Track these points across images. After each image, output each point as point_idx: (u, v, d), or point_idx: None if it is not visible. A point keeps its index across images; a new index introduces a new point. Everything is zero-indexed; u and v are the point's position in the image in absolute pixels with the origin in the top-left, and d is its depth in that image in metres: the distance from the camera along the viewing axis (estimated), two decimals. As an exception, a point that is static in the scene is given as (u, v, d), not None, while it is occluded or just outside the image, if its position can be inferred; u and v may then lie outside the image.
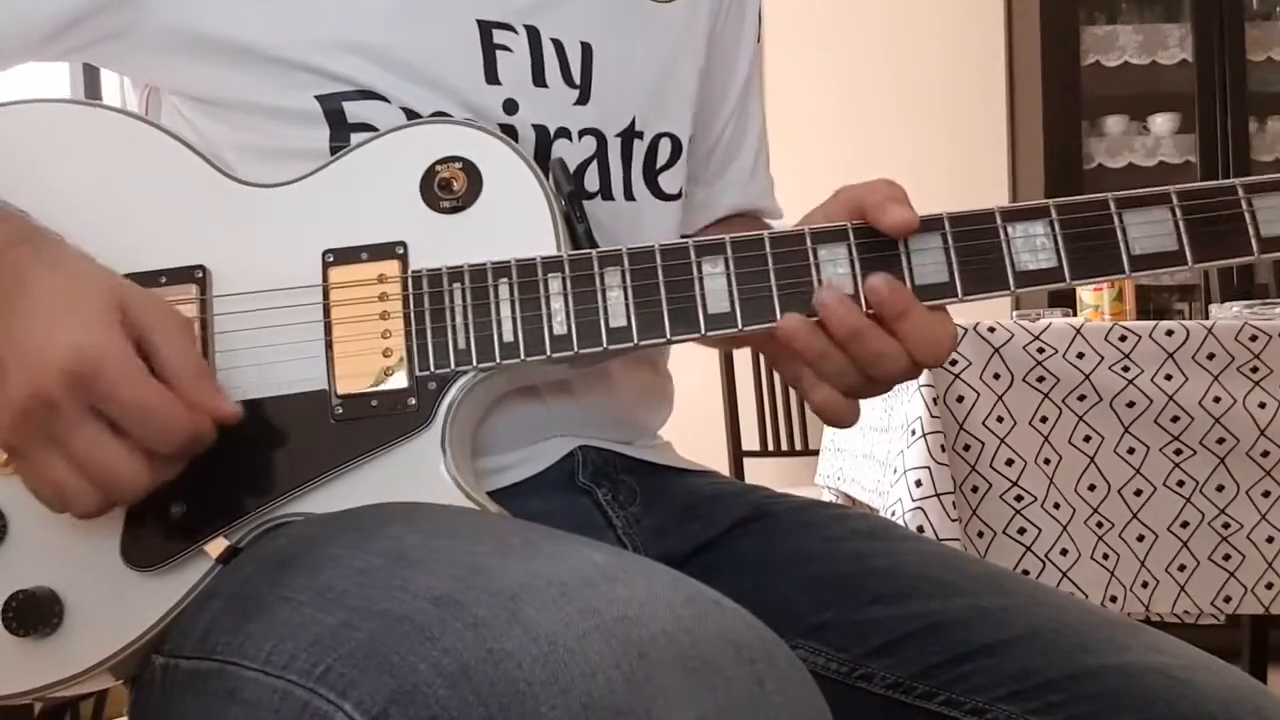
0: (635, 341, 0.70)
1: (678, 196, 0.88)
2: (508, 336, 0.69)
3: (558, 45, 0.80)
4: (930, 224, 0.70)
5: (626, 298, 0.70)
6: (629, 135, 0.84)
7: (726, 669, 0.49)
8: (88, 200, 0.71)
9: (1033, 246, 0.70)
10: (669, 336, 0.70)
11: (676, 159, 0.87)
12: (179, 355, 0.63)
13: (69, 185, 0.72)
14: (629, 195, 0.84)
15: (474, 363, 0.69)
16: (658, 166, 0.86)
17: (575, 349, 0.69)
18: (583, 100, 0.81)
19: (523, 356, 0.69)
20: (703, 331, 0.70)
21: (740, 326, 0.70)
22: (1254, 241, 0.69)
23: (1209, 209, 0.70)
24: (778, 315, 0.69)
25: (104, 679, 0.69)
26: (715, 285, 0.70)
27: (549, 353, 0.69)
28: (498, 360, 0.69)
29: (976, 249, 0.70)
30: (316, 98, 0.75)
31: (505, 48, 0.78)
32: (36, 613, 0.67)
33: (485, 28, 0.78)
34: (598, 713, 0.47)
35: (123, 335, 0.61)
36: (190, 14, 0.75)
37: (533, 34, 0.80)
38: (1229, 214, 0.70)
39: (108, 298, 0.62)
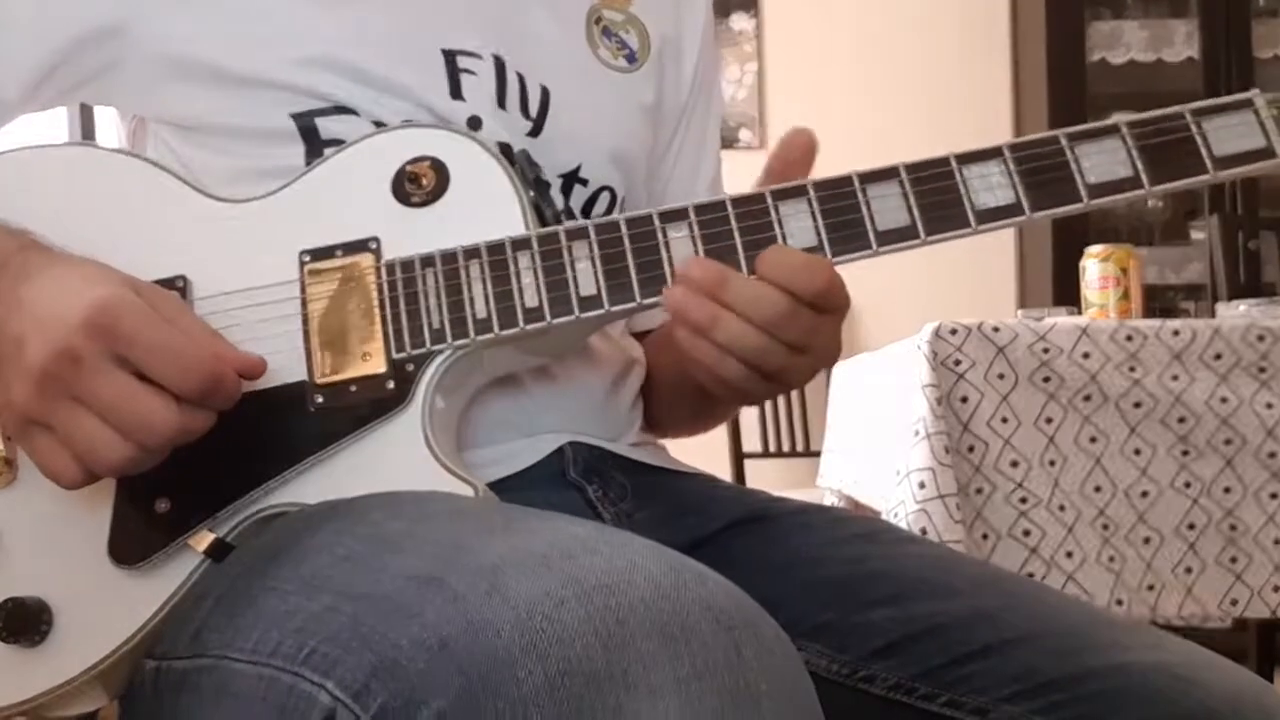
0: (606, 308, 0.70)
1: None
2: (480, 313, 0.70)
3: (521, 79, 0.83)
4: (887, 173, 0.71)
5: (595, 267, 0.71)
6: (572, 179, 0.85)
7: (705, 635, 0.49)
8: (67, 233, 0.71)
9: (989, 185, 0.71)
10: (639, 301, 0.71)
11: (611, 212, 0.88)
12: (191, 319, 0.66)
13: (49, 223, 0.71)
14: None
15: (449, 340, 0.70)
16: (592, 215, 0.87)
17: (548, 319, 0.70)
18: (534, 134, 0.84)
19: (496, 330, 0.70)
20: None
21: None
22: (1208, 161, 0.71)
23: (1160, 134, 0.72)
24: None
25: (98, 696, 0.69)
26: (681, 249, 0.71)
27: (522, 325, 0.70)
28: (472, 336, 0.70)
29: (935, 192, 0.71)
30: (291, 115, 0.78)
31: (470, 71, 0.81)
32: (24, 619, 0.67)
33: (450, 55, 0.81)
34: (575, 678, 0.47)
35: (135, 293, 0.63)
36: (178, 42, 0.79)
37: (499, 63, 0.83)
38: (1180, 137, 0.72)
39: (113, 273, 0.66)
